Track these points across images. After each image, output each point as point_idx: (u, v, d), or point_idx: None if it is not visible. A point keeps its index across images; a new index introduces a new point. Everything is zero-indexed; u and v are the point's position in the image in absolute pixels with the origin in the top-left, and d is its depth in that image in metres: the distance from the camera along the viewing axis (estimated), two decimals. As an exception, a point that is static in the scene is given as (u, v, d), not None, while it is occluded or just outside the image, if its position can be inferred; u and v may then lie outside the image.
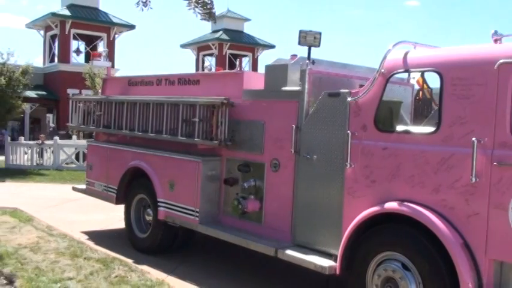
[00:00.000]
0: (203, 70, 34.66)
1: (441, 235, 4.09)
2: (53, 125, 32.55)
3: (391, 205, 4.49)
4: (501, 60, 3.98)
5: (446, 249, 4.06)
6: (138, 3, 6.30)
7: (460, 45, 4.54)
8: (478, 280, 3.98)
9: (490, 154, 3.96)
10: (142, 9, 6.33)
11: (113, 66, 29.78)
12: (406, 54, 4.73)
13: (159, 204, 6.88)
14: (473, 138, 4.01)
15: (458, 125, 4.18)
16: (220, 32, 35.49)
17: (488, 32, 4.43)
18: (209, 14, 6.14)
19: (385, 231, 4.56)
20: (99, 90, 22.32)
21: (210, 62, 37.33)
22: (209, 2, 6.01)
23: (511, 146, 3.88)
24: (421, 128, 4.97)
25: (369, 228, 4.70)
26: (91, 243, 7.57)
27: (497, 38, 4.43)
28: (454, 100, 4.24)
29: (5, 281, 5.80)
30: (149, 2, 6.21)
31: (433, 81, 7.61)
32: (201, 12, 6.10)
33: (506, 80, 3.96)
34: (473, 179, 4.00)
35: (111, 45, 31.78)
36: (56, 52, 31.58)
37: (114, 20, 32.00)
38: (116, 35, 32.54)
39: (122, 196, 7.71)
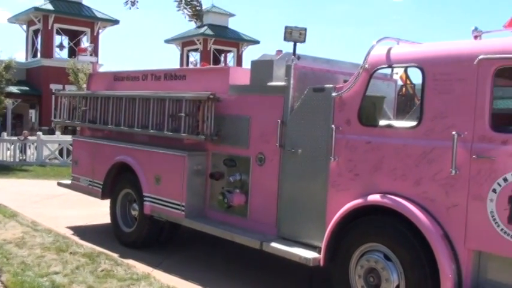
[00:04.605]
0: (188, 65, 34.57)
1: (422, 226, 4.21)
2: (33, 121, 32.26)
3: (374, 197, 4.59)
4: (480, 56, 4.09)
5: (427, 240, 4.17)
6: (126, 2, 6.39)
7: (441, 41, 4.65)
8: (457, 269, 4.10)
9: (470, 147, 4.07)
10: (130, 8, 6.42)
11: (97, 61, 29.57)
12: (389, 50, 4.82)
13: (144, 198, 6.92)
14: (454, 132, 4.12)
15: (439, 119, 4.29)
16: (205, 28, 35.38)
17: (474, 26, 4.56)
18: (197, 15, 6.26)
19: (368, 223, 4.66)
20: (83, 86, 22.26)
21: (194, 57, 37.23)
22: (198, 4, 6.14)
23: (490, 140, 4.00)
24: (403, 122, 5.08)
25: (352, 221, 4.80)
26: (76, 238, 7.58)
27: (477, 34, 4.54)
28: (435, 95, 4.34)
29: (-10, 276, 5.81)
30: (137, 1, 6.32)
31: (416, 77, 7.74)
32: (189, 13, 6.20)
33: (486, 75, 4.07)
34: (453, 172, 4.11)
35: (95, 40, 31.53)
36: (39, 47, 31.25)
37: (98, 15, 31.76)
38: (100, 30, 32.31)
39: (107, 191, 7.72)
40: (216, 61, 35.77)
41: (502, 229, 3.88)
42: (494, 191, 3.93)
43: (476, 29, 4.54)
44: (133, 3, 6.40)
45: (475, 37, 4.51)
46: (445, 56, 4.39)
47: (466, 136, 4.10)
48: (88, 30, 31.69)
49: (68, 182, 8.78)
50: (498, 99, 5.40)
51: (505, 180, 3.88)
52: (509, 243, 3.85)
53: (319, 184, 5.12)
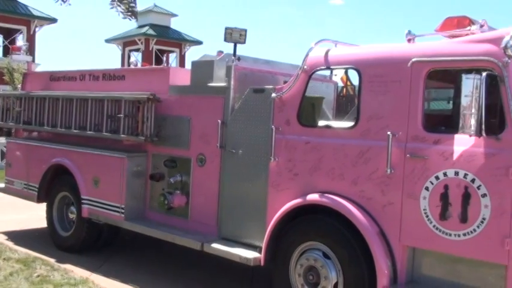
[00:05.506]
0: (129, 66, 33.97)
1: (358, 224, 4.31)
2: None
3: (313, 197, 4.66)
4: (414, 59, 4.23)
5: (364, 237, 4.28)
6: None
7: (377, 44, 4.78)
8: (393, 265, 4.22)
9: (404, 147, 4.21)
10: (62, 4, 6.24)
11: (33, 60, 28.61)
12: (327, 52, 4.91)
13: (82, 201, 6.75)
14: (389, 132, 4.24)
15: (375, 120, 4.40)
16: (147, 27, 34.86)
17: (409, 29, 4.73)
18: (132, 13, 6.14)
19: (307, 222, 4.73)
20: (19, 86, 21.47)
21: (136, 57, 36.59)
22: (131, 0, 6.02)
23: (423, 139, 4.14)
24: (341, 122, 5.18)
25: (292, 220, 4.85)
26: (10, 244, 7.30)
27: (410, 37, 4.73)
28: (371, 96, 4.46)
29: None
30: None
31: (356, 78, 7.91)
32: (123, 10, 6.08)
33: (418, 77, 4.21)
34: (389, 171, 4.24)
35: (31, 39, 30.47)
36: (-29, 45, 29.93)
37: (35, 13, 30.70)
38: (37, 29, 31.24)
39: (43, 194, 7.49)
40: (159, 61, 35.32)
41: (434, 225, 4.03)
42: (427, 189, 4.07)
43: (409, 32, 4.72)
44: (64, 0, 6.24)
45: (409, 40, 4.69)
46: (380, 58, 4.52)
47: (400, 136, 4.23)
48: (24, 28, 30.57)
49: (2, 185, 8.45)
50: (431, 101, 5.59)
51: (437, 178, 4.02)
52: (441, 239, 4.00)
53: (260, 184, 5.15)
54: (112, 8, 6.23)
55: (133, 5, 6.17)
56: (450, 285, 4.06)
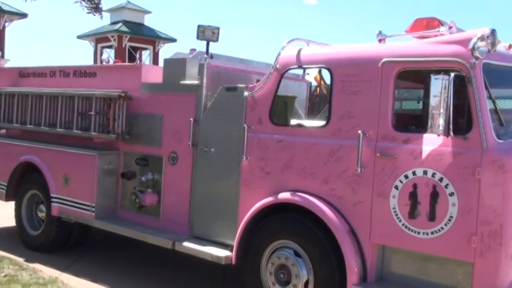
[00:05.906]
0: (101, 62, 33.53)
1: (329, 222, 4.34)
2: None
3: (284, 195, 4.68)
4: (384, 59, 4.28)
5: (334, 235, 4.31)
6: None
7: (349, 44, 4.82)
8: (363, 263, 4.27)
9: (374, 146, 4.25)
10: (26, 0, 6.15)
11: (2, 56, 28.07)
12: (299, 51, 4.93)
13: (52, 200, 6.65)
14: (359, 131, 4.28)
15: (346, 119, 4.44)
16: (120, 24, 34.44)
17: (380, 29, 4.78)
18: (96, 8, 6.08)
19: (278, 221, 4.75)
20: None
21: (108, 54, 36.12)
22: None
23: (392, 138, 4.19)
24: (312, 121, 5.21)
25: (264, 219, 4.86)
26: (-23, 243, 7.17)
27: (381, 38, 4.78)
28: (342, 95, 4.49)
29: None
30: None
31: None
32: (87, 5, 6.02)
33: (389, 77, 4.26)
34: (359, 170, 4.27)
35: (0, 34, 29.87)
36: None
37: (4, 7, 30.08)
38: (6, 24, 30.63)
39: (12, 192, 7.37)
40: (132, 58, 34.88)
41: (403, 224, 4.08)
42: (396, 187, 4.12)
43: (380, 32, 4.77)
44: None
45: (380, 40, 4.74)
46: (351, 58, 4.55)
47: (371, 135, 4.27)
48: (-8, 23, 29.97)
49: (-32, 183, 8.27)
50: (401, 100, 5.66)
51: (406, 177, 4.08)
52: (410, 237, 4.06)
53: (232, 183, 5.15)
54: (76, 2, 6.16)
55: (98, 1, 6.11)
56: (419, 283, 4.12)
